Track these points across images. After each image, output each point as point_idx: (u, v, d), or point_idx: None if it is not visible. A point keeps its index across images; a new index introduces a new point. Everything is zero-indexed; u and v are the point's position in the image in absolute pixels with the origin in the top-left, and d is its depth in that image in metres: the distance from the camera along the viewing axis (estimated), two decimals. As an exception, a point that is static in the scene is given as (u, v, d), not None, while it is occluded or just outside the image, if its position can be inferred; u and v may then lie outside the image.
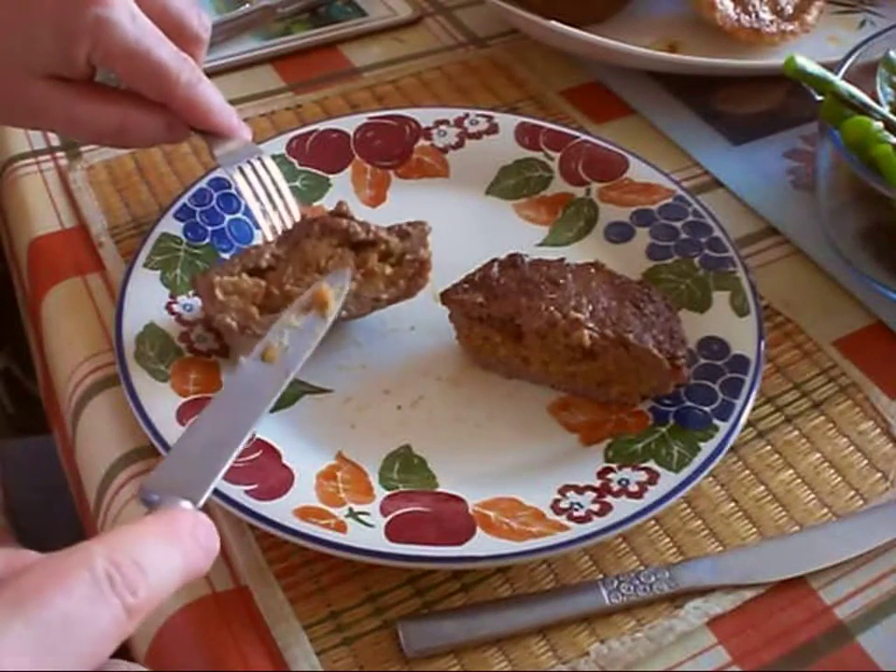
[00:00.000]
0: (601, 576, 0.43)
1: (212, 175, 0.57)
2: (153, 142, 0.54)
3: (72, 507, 0.59)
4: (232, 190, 0.56)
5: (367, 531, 0.42)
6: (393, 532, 0.42)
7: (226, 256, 0.55)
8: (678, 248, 0.55)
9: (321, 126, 0.61)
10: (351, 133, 0.61)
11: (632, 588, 0.42)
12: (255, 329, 0.47)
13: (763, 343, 0.49)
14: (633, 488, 0.44)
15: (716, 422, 0.46)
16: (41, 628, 0.26)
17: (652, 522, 0.45)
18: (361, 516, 0.43)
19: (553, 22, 0.66)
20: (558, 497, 0.44)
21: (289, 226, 0.53)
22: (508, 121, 0.62)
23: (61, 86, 0.49)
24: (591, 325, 0.47)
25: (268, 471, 0.44)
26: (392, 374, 0.51)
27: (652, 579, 0.42)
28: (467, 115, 0.63)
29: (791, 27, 0.70)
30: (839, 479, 0.47)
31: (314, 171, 0.60)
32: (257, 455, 0.45)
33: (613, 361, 0.47)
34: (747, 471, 0.47)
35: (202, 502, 0.34)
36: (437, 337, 0.52)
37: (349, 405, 0.49)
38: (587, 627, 0.42)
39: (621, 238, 0.57)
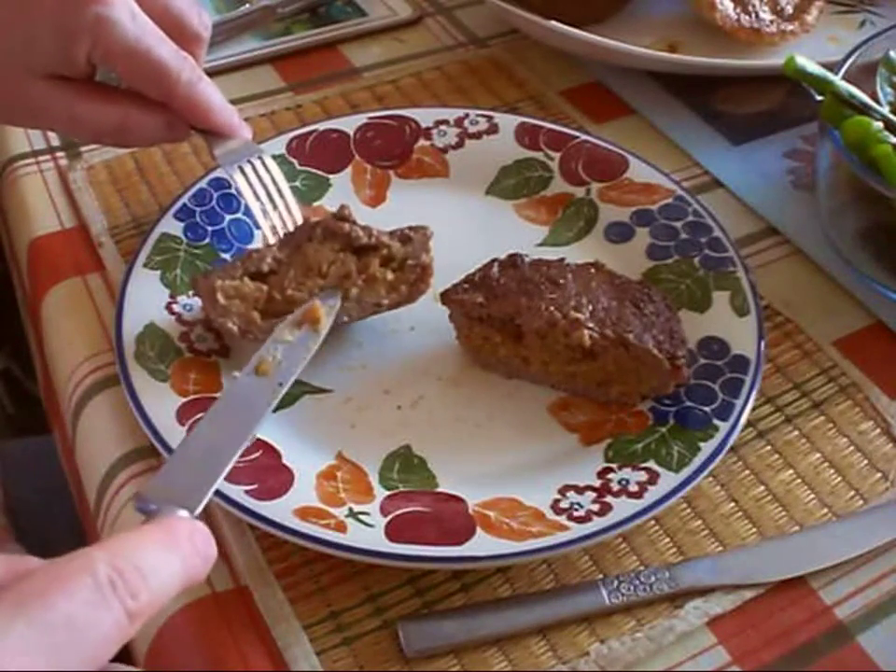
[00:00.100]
0: (601, 576, 0.43)
1: (212, 175, 0.57)
2: (153, 141, 0.54)
3: (72, 507, 0.59)
4: (232, 190, 0.56)
5: (367, 531, 0.42)
6: (393, 532, 0.42)
7: (226, 256, 0.55)
8: (678, 248, 0.55)
9: (321, 126, 0.61)
10: (351, 133, 0.61)
11: (632, 588, 0.42)
12: (256, 333, 0.47)
13: (763, 343, 0.49)
14: (633, 488, 0.44)
15: (716, 422, 0.46)
16: (44, 630, 0.26)
17: (652, 522, 0.45)
18: (361, 516, 0.43)
19: (553, 22, 0.66)
20: (558, 496, 0.44)
21: (290, 226, 0.53)
22: (508, 121, 0.62)
23: (61, 85, 0.49)
24: (591, 325, 0.47)
25: (268, 471, 0.44)
26: (392, 374, 0.51)
27: (652, 579, 0.43)
28: (467, 115, 0.63)
29: (791, 27, 0.70)
30: (839, 479, 0.47)
31: (314, 171, 0.60)
32: (257, 454, 0.45)
33: (613, 361, 0.48)
34: (747, 471, 0.47)
35: (198, 511, 0.34)
36: (437, 337, 0.52)
37: (349, 405, 0.49)
38: (587, 627, 0.42)
39: (621, 238, 0.57)
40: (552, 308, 0.48)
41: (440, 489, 0.45)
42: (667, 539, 0.45)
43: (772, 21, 0.70)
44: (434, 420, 0.49)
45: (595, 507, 0.43)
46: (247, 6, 0.76)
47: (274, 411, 0.43)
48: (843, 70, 0.56)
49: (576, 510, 0.43)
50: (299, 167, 0.60)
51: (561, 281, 0.49)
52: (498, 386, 0.50)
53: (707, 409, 0.47)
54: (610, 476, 0.45)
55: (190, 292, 0.51)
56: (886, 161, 0.50)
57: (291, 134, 0.61)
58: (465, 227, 0.58)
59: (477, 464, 0.47)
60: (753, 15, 0.70)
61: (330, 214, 0.50)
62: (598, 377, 0.48)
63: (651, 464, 0.45)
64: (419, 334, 0.52)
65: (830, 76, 0.54)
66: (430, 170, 0.61)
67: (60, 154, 0.65)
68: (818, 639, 0.41)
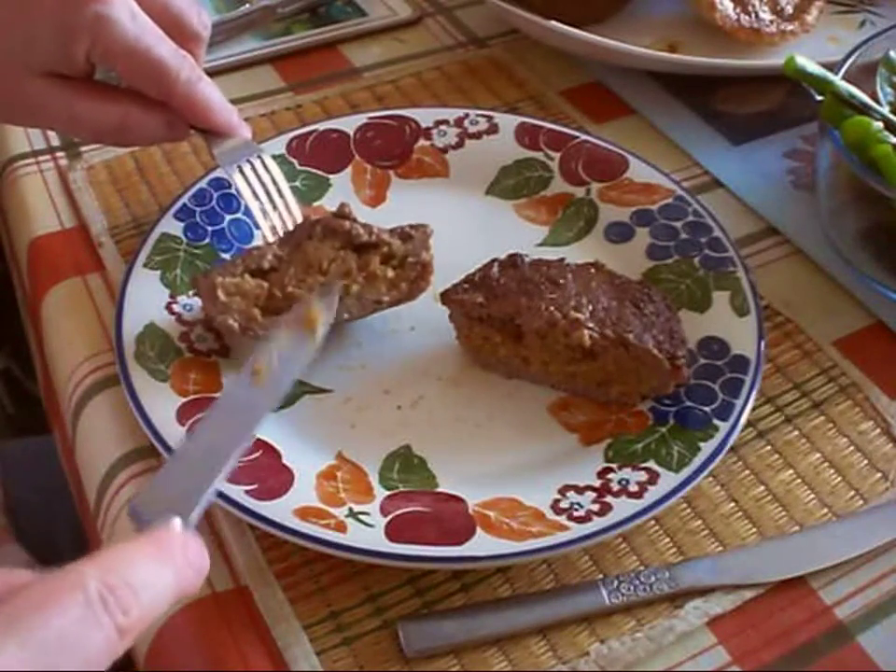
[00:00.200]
0: (601, 576, 0.43)
1: (212, 175, 0.57)
2: (153, 140, 0.54)
3: (72, 507, 0.59)
4: (232, 190, 0.56)
5: (367, 531, 0.42)
6: (393, 532, 0.42)
7: (226, 256, 0.55)
8: (678, 248, 0.55)
9: (321, 126, 0.61)
10: (351, 133, 0.61)
11: (632, 588, 0.42)
12: (257, 330, 0.47)
13: (763, 343, 0.49)
14: (633, 488, 0.44)
15: (716, 422, 0.46)
16: (36, 647, 0.26)
17: (652, 522, 0.45)
18: (361, 516, 0.43)
19: (553, 22, 0.66)
20: (558, 496, 0.44)
21: (290, 226, 0.52)
22: (508, 121, 0.62)
23: (60, 84, 0.49)
24: (591, 325, 0.47)
25: (268, 471, 0.44)
26: (392, 374, 0.51)
27: (652, 579, 0.42)
28: (467, 115, 0.63)
29: (791, 27, 0.70)
30: (839, 479, 0.47)
31: (314, 171, 0.60)
32: (257, 454, 0.45)
33: (613, 361, 0.47)
34: (747, 471, 0.47)
35: (192, 520, 0.34)
36: (437, 337, 0.52)
37: (349, 405, 0.49)
38: (587, 627, 0.42)
39: (621, 238, 0.57)
40: (552, 308, 0.48)
41: (440, 489, 0.45)
42: (667, 539, 0.45)
43: (772, 21, 0.70)
44: (434, 420, 0.49)
45: (595, 507, 0.43)
46: (247, 6, 0.76)
47: (274, 411, 0.43)
48: (843, 70, 0.56)
49: (576, 510, 0.43)
50: (299, 167, 0.60)
51: (561, 281, 0.49)
52: (498, 386, 0.50)
53: (706, 409, 0.47)
54: (610, 476, 0.45)
55: (191, 292, 0.51)
56: (886, 160, 0.50)
57: (291, 134, 0.61)
58: (465, 227, 0.58)
59: (477, 464, 0.47)
60: (753, 15, 0.70)
61: (331, 212, 0.50)
62: (598, 377, 0.48)
63: (651, 464, 0.45)
64: (419, 334, 0.52)
65: (830, 76, 0.54)
66: (430, 170, 0.61)
67: (60, 154, 0.65)
68: (818, 639, 0.41)
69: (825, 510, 0.46)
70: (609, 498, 0.43)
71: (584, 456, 0.47)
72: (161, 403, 0.46)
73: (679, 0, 0.74)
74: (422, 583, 0.43)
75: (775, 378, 0.51)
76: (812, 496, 0.46)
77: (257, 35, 0.75)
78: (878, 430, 0.49)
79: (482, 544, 0.42)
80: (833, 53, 0.60)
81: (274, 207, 0.53)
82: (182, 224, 0.55)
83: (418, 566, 0.42)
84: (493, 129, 0.62)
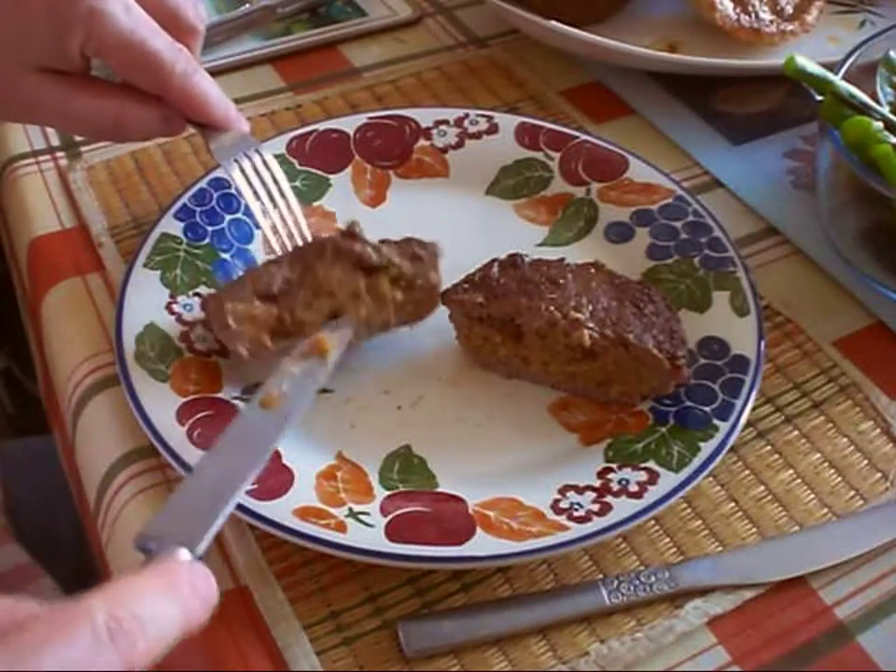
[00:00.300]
0: (601, 576, 0.43)
1: (212, 175, 0.57)
2: (150, 135, 0.53)
3: (72, 507, 0.59)
4: (232, 190, 0.56)
5: (367, 531, 0.42)
6: (393, 532, 0.42)
7: (226, 256, 0.55)
8: (678, 248, 0.55)
9: (321, 126, 0.61)
10: (351, 133, 0.61)
11: (632, 588, 0.42)
12: (266, 356, 0.47)
13: (763, 343, 0.49)
14: (633, 488, 0.44)
15: (716, 422, 0.46)
16: None
17: (652, 522, 0.45)
18: (361, 516, 0.43)
19: (553, 22, 0.66)
20: (558, 496, 0.44)
21: (290, 224, 0.52)
22: (508, 121, 0.62)
23: (55, 79, 0.49)
24: (591, 325, 0.47)
25: (268, 471, 0.44)
26: (392, 374, 0.51)
27: (652, 579, 0.42)
28: (467, 115, 0.63)
29: (791, 27, 0.70)
30: (839, 479, 0.47)
31: (314, 171, 0.60)
32: (257, 455, 0.45)
33: (613, 361, 0.48)
34: (747, 471, 0.47)
35: (200, 550, 0.33)
36: (437, 337, 0.52)
37: (349, 405, 0.49)
38: (587, 627, 0.42)
39: (621, 238, 0.57)
40: (552, 308, 0.48)
41: (440, 489, 0.45)
42: (667, 539, 0.45)
43: (772, 21, 0.70)
44: (434, 420, 0.49)
45: (595, 507, 0.43)
46: (247, 6, 0.76)
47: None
48: (843, 70, 0.56)
49: (576, 510, 0.43)
50: (299, 167, 0.60)
51: (561, 281, 0.49)
52: (498, 386, 0.50)
53: (706, 409, 0.47)
54: (610, 476, 0.45)
55: (191, 292, 0.51)
56: (886, 160, 0.50)
57: (291, 134, 0.61)
58: (465, 227, 0.58)
59: (477, 464, 0.47)
60: (753, 15, 0.70)
61: (339, 230, 0.49)
62: (598, 377, 0.48)
63: (651, 464, 0.45)
64: (419, 334, 0.52)
65: (830, 76, 0.54)
66: (430, 170, 0.61)
67: (60, 154, 0.65)
68: (818, 639, 0.41)
69: (825, 510, 0.46)
70: (609, 498, 0.43)
71: (584, 456, 0.47)
72: (161, 403, 0.46)
73: (679, 0, 0.74)
74: (422, 583, 0.43)
75: (775, 378, 0.51)
76: (812, 496, 0.46)
77: (257, 35, 0.75)
78: (878, 430, 0.49)
79: (482, 544, 0.42)
80: (832, 53, 0.60)
81: (273, 202, 0.52)
82: (182, 224, 0.55)
83: (418, 566, 0.42)
84: (493, 129, 0.62)
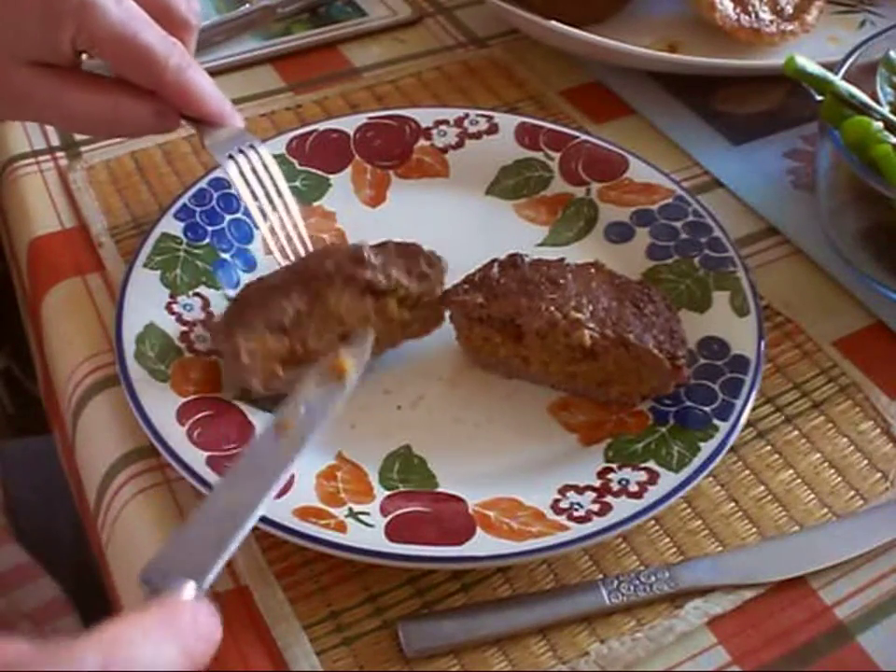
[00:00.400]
0: (601, 576, 0.43)
1: (212, 175, 0.57)
2: (144, 131, 0.52)
3: (72, 507, 0.59)
4: (233, 190, 0.56)
5: (367, 531, 0.42)
6: (393, 532, 0.42)
7: (226, 256, 0.55)
8: (678, 248, 0.55)
9: (321, 126, 0.61)
10: (351, 133, 0.61)
11: (632, 588, 0.42)
12: (279, 386, 0.47)
13: (763, 343, 0.49)
14: (633, 488, 0.44)
15: (716, 422, 0.46)
16: None
17: (652, 522, 0.45)
18: (361, 516, 0.43)
19: (553, 22, 0.66)
20: (558, 496, 0.44)
21: (287, 224, 0.52)
22: (508, 121, 0.62)
23: (47, 73, 0.48)
24: (591, 325, 0.47)
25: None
26: (392, 374, 0.51)
27: (652, 579, 0.42)
28: (467, 115, 0.63)
29: (791, 27, 0.70)
30: (839, 479, 0.47)
31: (314, 171, 0.60)
32: (257, 455, 0.45)
33: (613, 361, 0.47)
34: (747, 471, 0.47)
35: (207, 584, 0.33)
36: (437, 337, 0.51)
37: (349, 405, 0.49)
38: (587, 627, 0.42)
39: (621, 238, 0.57)
40: (552, 308, 0.48)
41: (440, 489, 0.45)
42: (667, 539, 0.45)
43: (772, 21, 0.70)
44: (434, 420, 0.49)
45: (595, 507, 0.43)
46: (247, 6, 0.76)
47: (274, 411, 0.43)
48: (843, 70, 0.56)
49: (576, 510, 0.43)
50: (299, 167, 0.60)
51: (561, 281, 0.49)
52: (498, 387, 0.50)
53: (706, 409, 0.47)
54: (610, 476, 0.45)
55: (191, 292, 0.51)
56: (886, 160, 0.50)
57: (291, 134, 0.61)
58: (465, 227, 0.58)
59: (477, 464, 0.47)
60: (753, 15, 0.70)
61: (348, 254, 0.49)
62: (598, 377, 0.48)
63: (651, 464, 0.45)
64: (419, 334, 0.52)
65: (830, 76, 0.54)
66: (430, 170, 0.61)
67: (60, 154, 0.65)
68: (818, 639, 0.41)
69: (825, 510, 0.46)
70: (609, 498, 0.43)
71: (584, 456, 0.47)
72: (161, 403, 0.46)
73: (679, 0, 0.74)
74: (422, 583, 0.43)
75: (775, 378, 0.51)
76: (812, 496, 0.46)
77: (257, 35, 0.75)
78: (878, 430, 0.49)
79: (482, 544, 0.42)
80: (833, 53, 0.60)
81: (268, 199, 0.51)
82: (182, 224, 0.55)
83: (418, 566, 0.42)
84: (493, 129, 0.62)
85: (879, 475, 0.47)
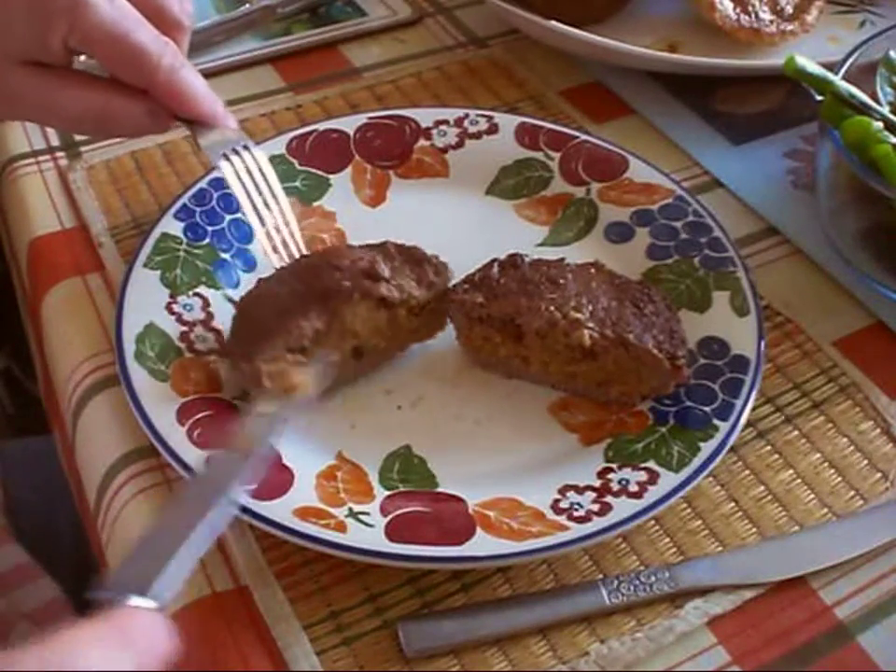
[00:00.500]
0: (601, 576, 0.43)
1: (212, 175, 0.57)
2: (136, 131, 0.52)
3: (72, 507, 0.59)
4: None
5: (367, 531, 0.42)
6: (393, 532, 0.42)
7: (226, 256, 0.55)
8: (678, 248, 0.55)
9: (321, 126, 0.61)
10: (351, 133, 0.61)
11: (632, 588, 0.42)
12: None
13: (763, 343, 0.49)
14: (633, 488, 0.44)
15: (716, 422, 0.46)
16: None
17: (652, 522, 0.45)
18: (361, 516, 0.43)
19: (553, 22, 0.66)
20: (558, 496, 0.44)
21: (282, 226, 0.51)
22: (508, 121, 0.62)
23: (38, 72, 0.48)
24: (591, 325, 0.47)
25: (268, 471, 0.44)
26: (392, 374, 0.51)
27: (652, 579, 0.42)
28: (467, 115, 0.63)
29: (790, 27, 0.70)
30: (839, 479, 0.47)
31: (314, 171, 0.60)
32: (257, 455, 0.45)
33: (613, 361, 0.47)
34: (747, 471, 0.47)
35: (166, 599, 0.32)
36: (437, 337, 0.52)
37: (349, 405, 0.49)
38: (587, 627, 0.42)
39: (621, 238, 0.57)
40: (552, 308, 0.48)
41: (440, 489, 0.45)
42: (667, 539, 0.45)
43: (772, 21, 0.70)
44: (434, 420, 0.49)
45: (595, 507, 0.43)
46: (247, 6, 0.76)
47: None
48: (843, 70, 0.56)
49: (576, 510, 0.43)
50: (299, 167, 0.60)
51: (561, 281, 0.49)
52: (498, 386, 0.50)
53: (706, 409, 0.47)
54: (610, 476, 0.45)
55: (191, 292, 0.51)
56: (886, 160, 0.50)
57: (291, 134, 0.61)
58: (465, 227, 0.58)
59: (477, 464, 0.47)
60: (753, 15, 0.70)
61: (361, 269, 0.48)
62: (598, 377, 0.48)
63: (651, 464, 0.45)
64: (419, 334, 0.52)
65: (830, 76, 0.54)
66: (430, 170, 0.61)
67: (60, 154, 0.65)
68: (818, 639, 0.41)
69: (825, 510, 0.46)
70: (609, 498, 0.43)
71: (584, 456, 0.47)
72: (161, 403, 0.46)
73: (679, 0, 0.74)
74: (422, 583, 0.43)
75: (775, 378, 0.51)
76: (812, 496, 0.46)
77: (257, 35, 0.75)
78: (878, 430, 0.49)
79: (482, 544, 0.42)
80: (833, 53, 0.60)
81: (260, 194, 0.51)
82: (182, 224, 0.55)
83: (418, 566, 0.42)
84: (493, 129, 0.62)
85: (879, 475, 0.47)
